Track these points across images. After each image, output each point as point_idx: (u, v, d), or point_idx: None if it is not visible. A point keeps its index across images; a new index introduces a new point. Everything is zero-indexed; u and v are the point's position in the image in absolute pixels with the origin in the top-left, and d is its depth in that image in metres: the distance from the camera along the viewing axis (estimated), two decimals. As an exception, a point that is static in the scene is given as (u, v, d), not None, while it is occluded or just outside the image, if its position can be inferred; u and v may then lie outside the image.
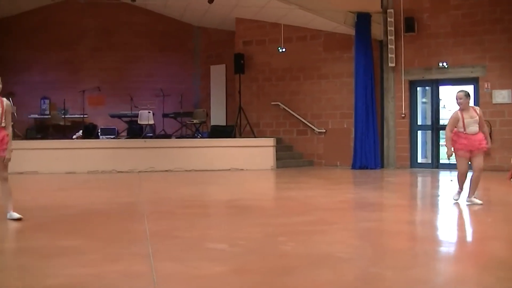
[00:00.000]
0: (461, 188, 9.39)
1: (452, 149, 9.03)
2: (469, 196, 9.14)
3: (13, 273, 5.08)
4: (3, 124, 7.56)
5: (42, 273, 4.89)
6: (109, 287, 4.43)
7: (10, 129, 7.69)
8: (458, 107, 9.04)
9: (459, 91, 9.14)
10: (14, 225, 7.30)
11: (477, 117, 8.93)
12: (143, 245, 5.99)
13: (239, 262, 5.29)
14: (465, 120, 8.89)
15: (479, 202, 9.02)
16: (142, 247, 5.86)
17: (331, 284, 4.54)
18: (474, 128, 8.90)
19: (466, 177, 9.28)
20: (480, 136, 8.98)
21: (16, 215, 7.56)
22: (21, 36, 21.14)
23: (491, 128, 15.33)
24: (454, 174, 15.10)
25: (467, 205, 9.02)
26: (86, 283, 4.54)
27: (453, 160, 9.16)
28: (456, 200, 9.33)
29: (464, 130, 8.90)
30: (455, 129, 9.01)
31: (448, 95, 16.94)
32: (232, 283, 4.62)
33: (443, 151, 18.31)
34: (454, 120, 9.03)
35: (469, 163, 9.08)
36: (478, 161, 9.02)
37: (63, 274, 4.84)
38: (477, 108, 9.19)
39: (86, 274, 4.81)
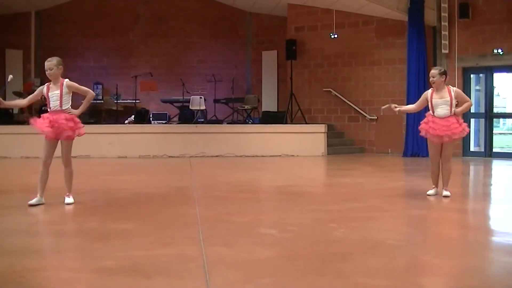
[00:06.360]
0: (434, 183, 8.67)
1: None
2: (443, 187, 8.48)
3: (68, 255, 5.17)
4: (63, 107, 7.68)
5: (95, 255, 4.98)
6: (161, 270, 4.48)
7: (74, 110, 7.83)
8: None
9: (433, 68, 8.57)
10: (68, 208, 7.44)
11: (448, 99, 8.20)
12: (194, 229, 6.04)
13: (290, 248, 5.30)
14: (433, 100, 8.29)
15: (448, 194, 8.36)
16: (193, 231, 5.91)
17: (384, 271, 4.52)
18: (443, 110, 8.23)
19: (437, 168, 8.57)
20: (451, 121, 8.22)
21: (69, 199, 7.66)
22: (75, 22, 21.45)
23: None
24: (509, 163, 15.04)
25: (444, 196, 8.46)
26: (138, 266, 4.60)
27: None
28: (431, 194, 8.57)
29: (432, 112, 8.31)
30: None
31: (503, 82, 16.64)
32: (283, 268, 4.63)
33: (496, 139, 18.06)
34: (422, 98, 8.54)
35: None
36: (446, 151, 8.41)
37: (116, 256, 4.92)
38: (453, 89, 8.36)
39: (139, 257, 4.87)
